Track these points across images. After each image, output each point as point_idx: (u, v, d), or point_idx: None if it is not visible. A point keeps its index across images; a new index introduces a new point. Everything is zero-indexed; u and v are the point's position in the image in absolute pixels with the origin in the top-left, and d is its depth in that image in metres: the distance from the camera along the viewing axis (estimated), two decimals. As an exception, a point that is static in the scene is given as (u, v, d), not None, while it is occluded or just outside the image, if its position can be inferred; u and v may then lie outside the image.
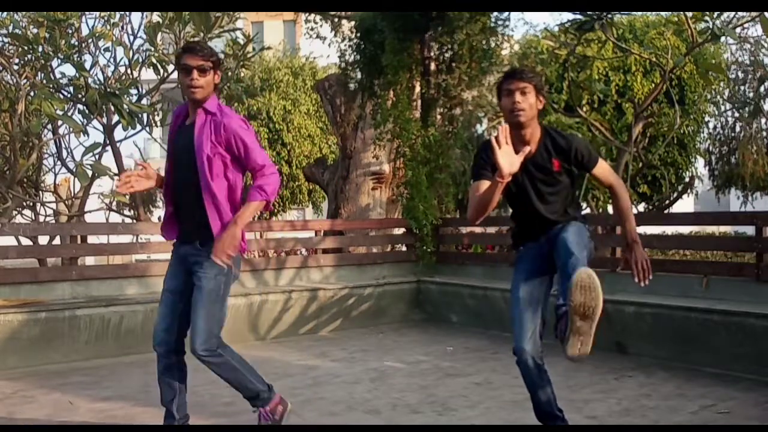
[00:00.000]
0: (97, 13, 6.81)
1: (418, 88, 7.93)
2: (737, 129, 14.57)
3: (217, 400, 3.34)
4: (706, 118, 13.38)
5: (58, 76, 6.75)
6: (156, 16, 6.82)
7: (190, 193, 3.00)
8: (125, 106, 6.22)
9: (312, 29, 9.69)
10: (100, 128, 6.79)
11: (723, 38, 6.49)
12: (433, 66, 7.91)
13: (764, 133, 13.69)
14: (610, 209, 8.48)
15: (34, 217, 8.52)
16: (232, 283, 3.11)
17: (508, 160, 2.64)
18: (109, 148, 6.83)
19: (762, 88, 13.42)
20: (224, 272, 3.01)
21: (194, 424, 3.11)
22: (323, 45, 9.78)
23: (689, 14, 5.91)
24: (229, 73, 7.09)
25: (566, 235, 2.81)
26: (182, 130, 3.07)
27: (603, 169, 2.99)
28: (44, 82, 6.34)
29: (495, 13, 7.62)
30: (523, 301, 2.93)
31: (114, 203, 8.62)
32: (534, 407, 3.02)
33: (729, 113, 14.64)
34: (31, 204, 8.31)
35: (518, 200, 3.00)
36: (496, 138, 2.64)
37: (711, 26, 5.83)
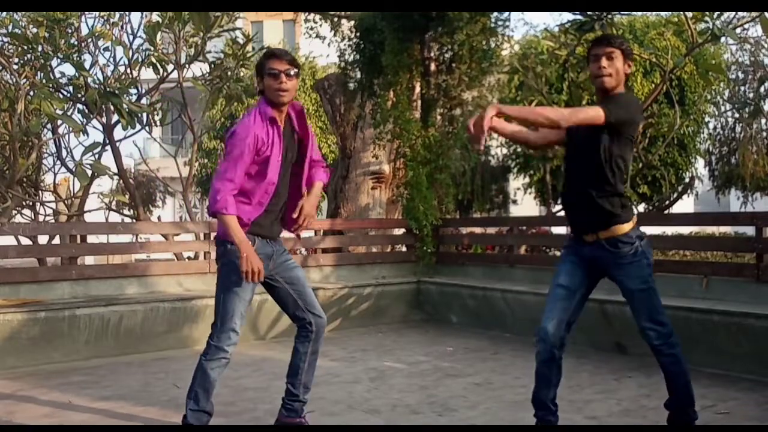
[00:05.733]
0: (97, 13, 6.81)
1: (418, 89, 7.93)
2: (737, 129, 14.57)
3: (217, 399, 3.33)
4: (706, 119, 13.39)
5: (57, 75, 6.75)
6: (156, 16, 6.82)
7: (287, 191, 3.20)
8: (125, 106, 6.22)
9: (312, 29, 9.68)
10: (100, 128, 6.79)
11: (723, 38, 6.49)
12: (433, 66, 7.90)
13: (764, 134, 13.68)
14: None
15: (33, 217, 8.52)
16: None
17: None
18: (108, 147, 6.83)
19: (762, 89, 13.40)
20: None
21: (193, 424, 3.10)
22: (323, 44, 9.77)
23: (689, 14, 5.91)
24: (229, 73, 7.09)
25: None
26: (284, 131, 3.14)
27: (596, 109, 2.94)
28: (44, 81, 6.34)
29: (495, 14, 7.61)
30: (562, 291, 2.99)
31: (114, 203, 8.61)
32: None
33: (729, 114, 14.64)
34: (31, 203, 8.31)
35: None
36: None
37: (711, 26, 5.82)
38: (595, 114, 2.82)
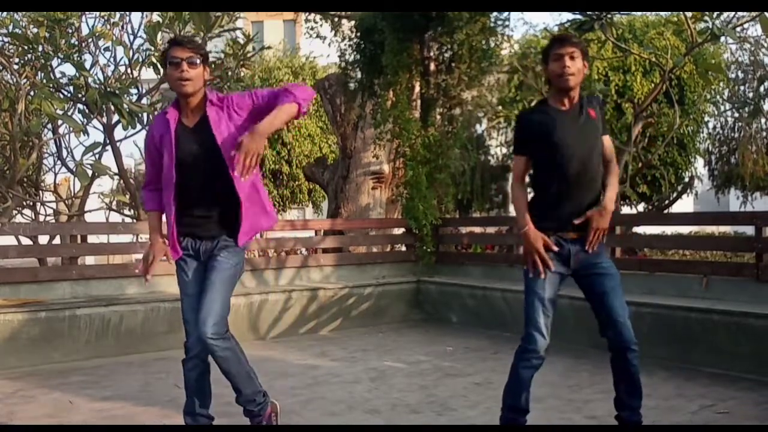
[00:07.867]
0: (97, 13, 6.81)
1: (417, 88, 7.93)
2: (737, 129, 14.57)
3: (218, 399, 3.34)
4: (706, 118, 13.39)
5: (58, 75, 6.75)
6: (156, 16, 6.82)
7: (213, 191, 2.92)
8: (125, 106, 6.22)
9: (312, 29, 9.69)
10: (100, 128, 6.79)
11: (723, 38, 6.49)
12: (432, 66, 7.91)
13: (764, 133, 13.69)
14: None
15: (34, 217, 8.52)
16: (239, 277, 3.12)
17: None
18: (109, 147, 6.83)
19: (762, 88, 13.40)
20: (240, 264, 3.04)
21: (194, 425, 3.10)
22: (323, 44, 9.79)
23: (689, 14, 5.92)
24: (229, 73, 7.09)
25: (618, 292, 2.95)
26: (185, 132, 2.96)
27: (609, 141, 3.09)
28: (44, 81, 6.34)
29: (495, 13, 7.62)
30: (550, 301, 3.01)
31: (114, 203, 8.62)
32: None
33: (729, 113, 14.65)
34: (31, 203, 8.31)
35: (557, 168, 2.94)
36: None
37: (711, 26, 5.83)
38: None
